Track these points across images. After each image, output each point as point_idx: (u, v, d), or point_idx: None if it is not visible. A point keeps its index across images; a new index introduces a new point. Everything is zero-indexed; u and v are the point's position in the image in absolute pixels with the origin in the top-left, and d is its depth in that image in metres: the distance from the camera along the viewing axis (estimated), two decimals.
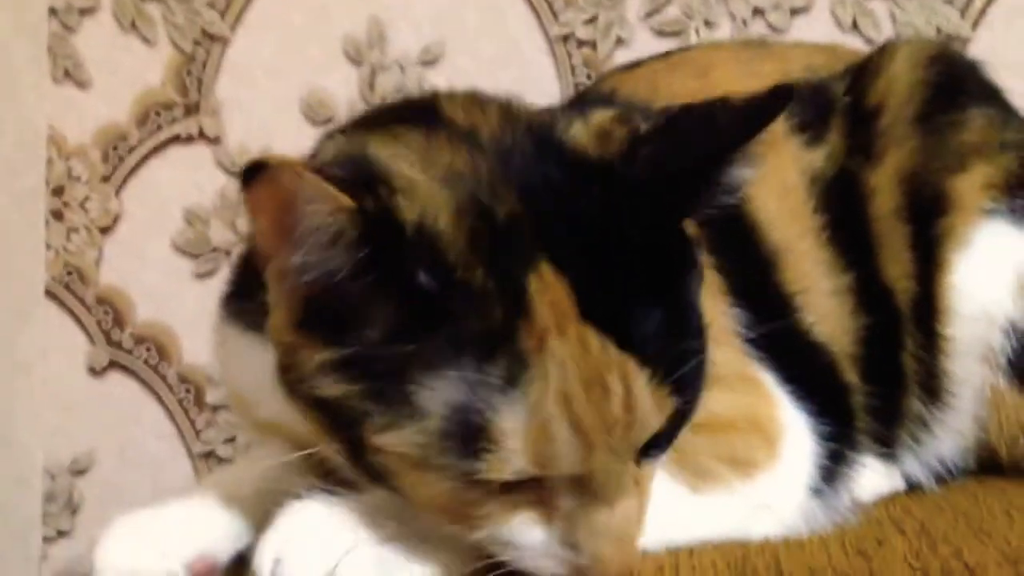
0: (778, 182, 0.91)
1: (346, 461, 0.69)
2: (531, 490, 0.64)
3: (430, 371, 0.61)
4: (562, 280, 0.62)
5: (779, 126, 0.91)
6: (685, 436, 0.74)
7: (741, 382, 0.80)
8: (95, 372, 1.62)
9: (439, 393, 0.61)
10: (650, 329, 0.63)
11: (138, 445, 1.62)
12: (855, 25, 1.41)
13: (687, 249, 0.69)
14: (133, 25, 1.58)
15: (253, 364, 0.79)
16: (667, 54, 1.06)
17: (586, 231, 0.64)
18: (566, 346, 0.61)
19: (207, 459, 1.59)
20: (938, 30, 1.39)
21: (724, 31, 1.43)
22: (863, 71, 0.93)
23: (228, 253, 1.56)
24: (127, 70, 1.58)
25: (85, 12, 1.59)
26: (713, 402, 0.76)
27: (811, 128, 0.93)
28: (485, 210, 0.63)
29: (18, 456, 1.59)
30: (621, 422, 0.62)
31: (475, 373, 0.60)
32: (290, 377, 0.67)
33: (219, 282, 1.58)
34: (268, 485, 0.79)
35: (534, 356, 0.61)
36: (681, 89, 0.93)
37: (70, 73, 1.59)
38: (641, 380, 0.62)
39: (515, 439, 0.60)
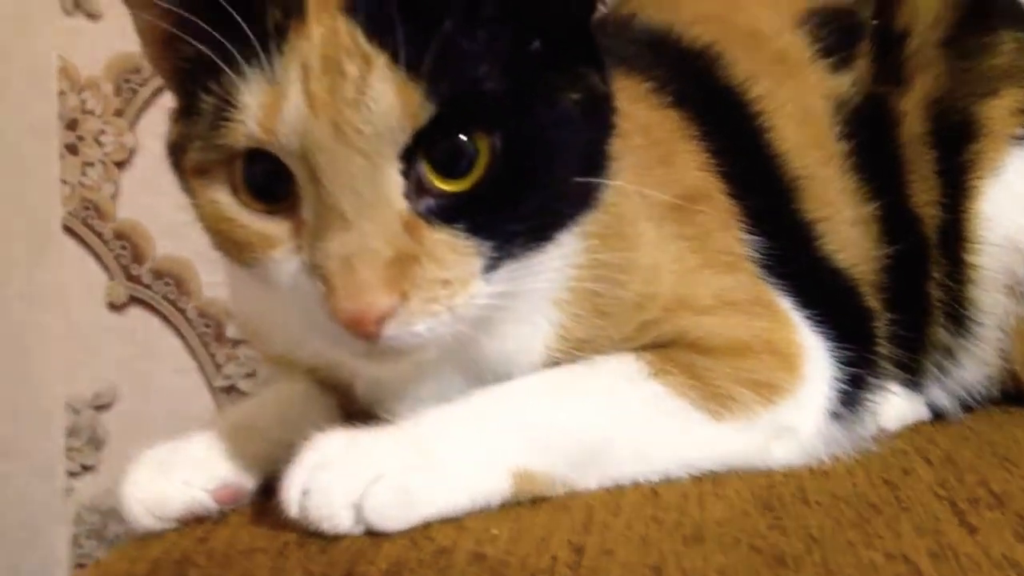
0: (800, 108, 0.89)
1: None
2: (288, 218, 0.65)
3: (211, 75, 0.64)
4: None
5: (803, 51, 0.90)
6: (702, 360, 0.76)
7: (758, 307, 0.80)
8: (114, 307, 1.62)
9: (214, 93, 0.64)
10: (420, 43, 0.62)
11: (159, 380, 1.62)
12: None
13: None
14: None
15: (260, 295, 0.79)
16: None
17: None
18: (317, 31, 0.63)
19: (228, 393, 1.60)
20: None
21: None
22: None
23: None
24: None
25: None
26: (729, 327, 0.78)
27: (837, 53, 0.91)
28: None
29: (39, 392, 1.60)
30: (351, 102, 0.61)
31: (240, 67, 0.63)
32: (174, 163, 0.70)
33: None
34: (289, 415, 0.79)
35: (290, 43, 0.63)
36: (703, 12, 0.91)
37: (80, 4, 1.57)
38: (380, 68, 0.62)
39: (252, 102, 0.62)
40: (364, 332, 0.63)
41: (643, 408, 0.75)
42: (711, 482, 0.75)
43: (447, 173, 0.64)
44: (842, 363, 0.80)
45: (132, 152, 1.58)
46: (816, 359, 0.80)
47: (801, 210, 0.87)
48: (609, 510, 0.70)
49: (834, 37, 0.91)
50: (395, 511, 0.67)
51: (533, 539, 0.66)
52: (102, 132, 1.58)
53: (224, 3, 0.62)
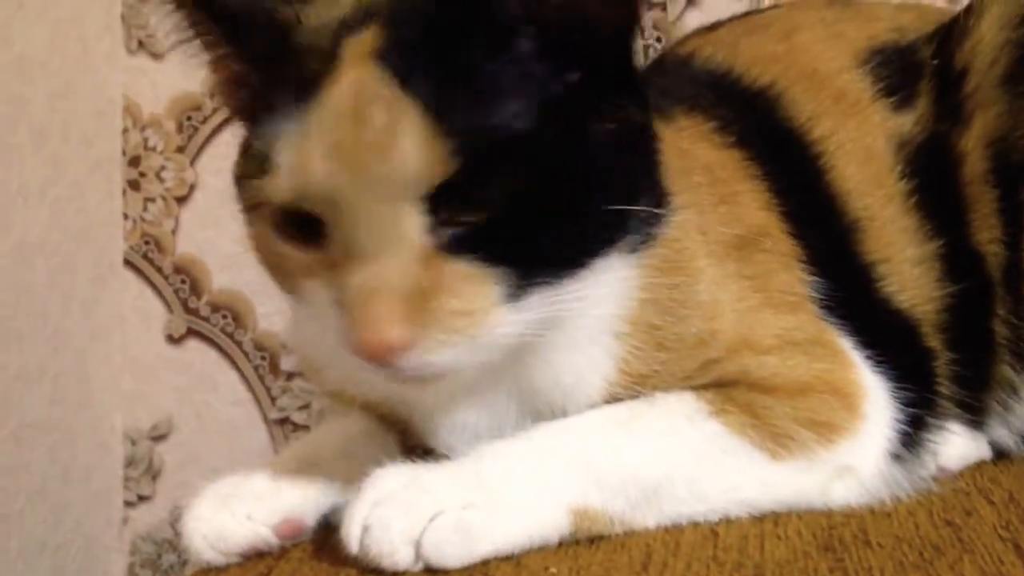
0: (862, 148, 0.89)
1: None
2: (321, 253, 0.66)
3: (257, 124, 0.66)
4: (379, 34, 0.65)
5: (865, 90, 0.89)
6: (762, 400, 0.76)
7: (818, 347, 0.79)
8: (173, 340, 1.64)
9: (263, 136, 0.66)
10: (451, 89, 0.63)
11: (215, 411, 1.64)
12: None
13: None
14: None
15: (316, 331, 0.80)
16: (747, 15, 1.04)
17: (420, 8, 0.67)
18: (348, 79, 0.64)
19: (282, 425, 1.61)
20: None
21: None
22: (951, 32, 0.90)
23: None
24: None
25: None
26: (790, 367, 0.77)
27: (899, 92, 0.90)
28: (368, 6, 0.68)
29: (99, 422, 1.62)
30: (375, 151, 0.62)
31: (284, 117, 0.64)
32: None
33: None
34: (349, 450, 0.80)
35: (323, 92, 0.64)
36: (763, 52, 0.91)
37: (143, 43, 1.60)
38: (408, 117, 0.62)
39: (285, 159, 0.64)
40: (380, 362, 0.64)
41: (703, 447, 0.74)
42: (771, 522, 0.74)
43: (466, 210, 0.64)
44: (902, 404, 0.80)
45: (192, 188, 1.61)
46: (876, 399, 0.79)
47: (862, 251, 0.86)
48: (668, 550, 0.70)
49: (895, 76, 0.91)
50: (455, 548, 0.67)
51: None
52: (163, 168, 1.61)
53: (267, 54, 0.66)
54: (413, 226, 0.64)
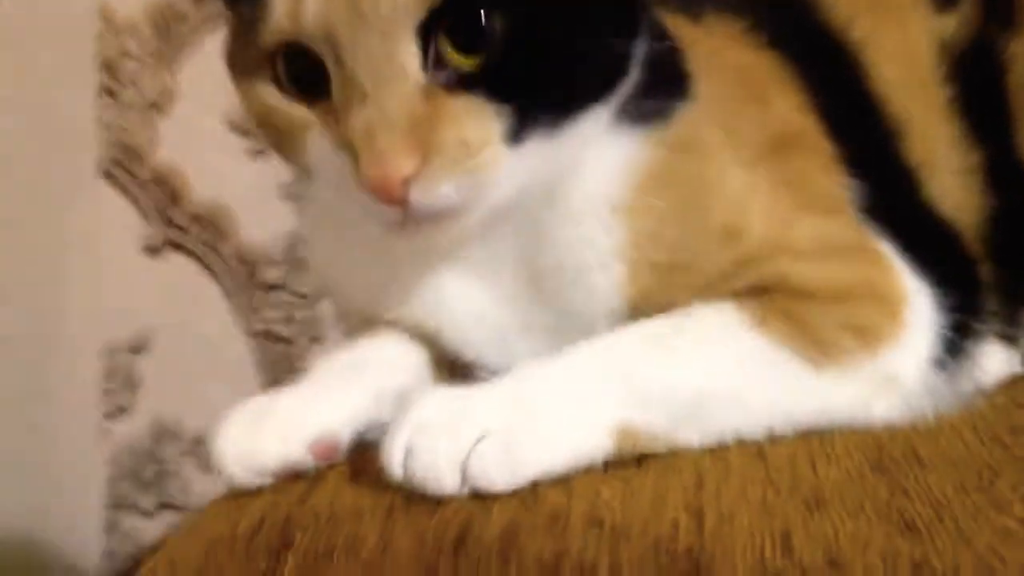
0: (903, 49, 0.86)
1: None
2: (322, 101, 0.67)
3: None
4: None
5: None
6: (803, 306, 0.74)
7: (858, 251, 0.78)
8: (151, 251, 1.61)
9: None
10: None
11: (195, 324, 1.62)
12: None
13: None
14: None
15: (341, 246, 0.80)
16: None
17: None
18: None
19: (264, 338, 1.59)
20: None
21: None
22: None
23: None
24: None
25: None
26: (830, 271, 0.76)
27: None
28: None
29: (76, 334, 1.59)
30: None
31: None
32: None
33: (276, 159, 1.58)
34: (381, 366, 0.78)
35: None
36: None
37: None
38: None
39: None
40: (390, 197, 0.65)
41: (745, 360, 0.73)
42: (817, 441, 0.73)
43: (466, 48, 0.65)
44: (946, 309, 0.79)
45: (171, 95, 1.55)
46: (919, 305, 0.78)
47: (904, 154, 0.84)
48: (718, 472, 0.69)
49: None
50: (501, 471, 0.66)
51: (646, 502, 0.65)
52: (140, 75, 1.55)
53: None
54: (411, 60, 0.65)
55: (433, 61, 0.65)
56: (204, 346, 1.62)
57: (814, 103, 0.81)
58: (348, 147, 0.65)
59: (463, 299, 0.77)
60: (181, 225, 1.59)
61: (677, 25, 0.77)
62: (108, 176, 1.58)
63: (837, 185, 0.79)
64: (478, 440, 0.66)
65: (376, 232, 0.70)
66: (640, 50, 0.71)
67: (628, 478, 0.68)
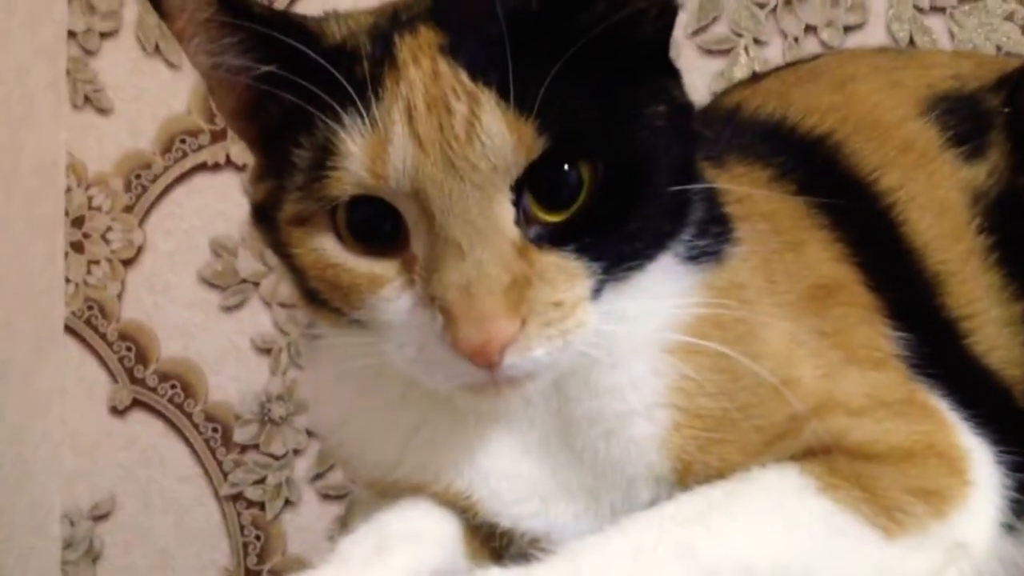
0: (934, 200, 0.84)
1: (302, 302, 0.71)
2: (395, 256, 0.65)
3: (303, 128, 0.65)
4: (436, 33, 0.66)
5: (932, 140, 0.85)
6: (867, 468, 0.71)
7: (912, 408, 0.74)
8: (117, 411, 1.56)
9: (307, 145, 0.65)
10: (524, 78, 0.63)
11: (162, 488, 1.55)
12: (912, 42, 1.36)
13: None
14: (157, 49, 1.53)
15: (355, 410, 0.76)
16: (794, 65, 1.00)
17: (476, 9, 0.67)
18: (418, 73, 0.64)
19: (235, 501, 1.52)
20: (998, 48, 1.35)
21: (775, 50, 1.39)
22: (1021, 81, 0.87)
23: (257, 284, 1.51)
24: (150, 95, 1.53)
25: (106, 35, 1.54)
26: (889, 430, 0.72)
27: (967, 142, 0.85)
28: (393, 13, 0.69)
29: (36, 501, 1.53)
30: (462, 139, 0.62)
31: (336, 117, 0.64)
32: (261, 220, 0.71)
33: (248, 314, 1.57)
34: (416, 537, 0.73)
35: (387, 89, 0.64)
36: (818, 101, 0.87)
37: (90, 99, 1.54)
38: (489, 105, 0.63)
39: (356, 149, 0.63)
40: (487, 360, 0.62)
41: (815, 528, 0.69)
42: None
43: (551, 204, 0.65)
44: (1008, 468, 0.74)
45: (139, 249, 1.53)
46: (982, 463, 0.74)
47: (945, 307, 0.81)
48: None
49: (963, 125, 0.86)
50: None
51: None
52: (109, 229, 1.53)
53: (317, 58, 0.64)
54: (507, 216, 0.63)
55: (524, 217, 0.64)
56: (171, 512, 1.55)
57: (849, 252, 0.78)
58: (438, 304, 0.62)
59: (496, 458, 0.72)
60: (149, 384, 1.54)
61: (703, 168, 0.75)
62: (73, 333, 1.54)
63: (882, 337, 0.76)
64: None
65: (415, 391, 0.68)
66: (697, 194, 0.71)
67: None
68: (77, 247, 1.53)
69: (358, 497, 0.81)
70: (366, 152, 0.63)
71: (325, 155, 0.64)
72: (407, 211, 0.64)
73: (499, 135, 0.62)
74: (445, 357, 0.63)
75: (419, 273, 0.64)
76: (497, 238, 0.63)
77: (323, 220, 0.66)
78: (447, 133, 0.62)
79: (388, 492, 0.76)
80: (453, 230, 0.62)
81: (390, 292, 0.65)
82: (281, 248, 0.69)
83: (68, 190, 1.53)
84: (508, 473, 0.72)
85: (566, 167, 0.64)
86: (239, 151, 1.48)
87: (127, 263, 1.53)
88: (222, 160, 1.51)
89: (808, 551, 0.68)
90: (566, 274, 0.64)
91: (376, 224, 0.65)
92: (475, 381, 0.64)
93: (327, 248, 0.66)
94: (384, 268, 0.65)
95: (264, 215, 0.70)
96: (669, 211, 0.69)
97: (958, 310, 0.81)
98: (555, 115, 0.63)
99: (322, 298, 0.68)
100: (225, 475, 1.53)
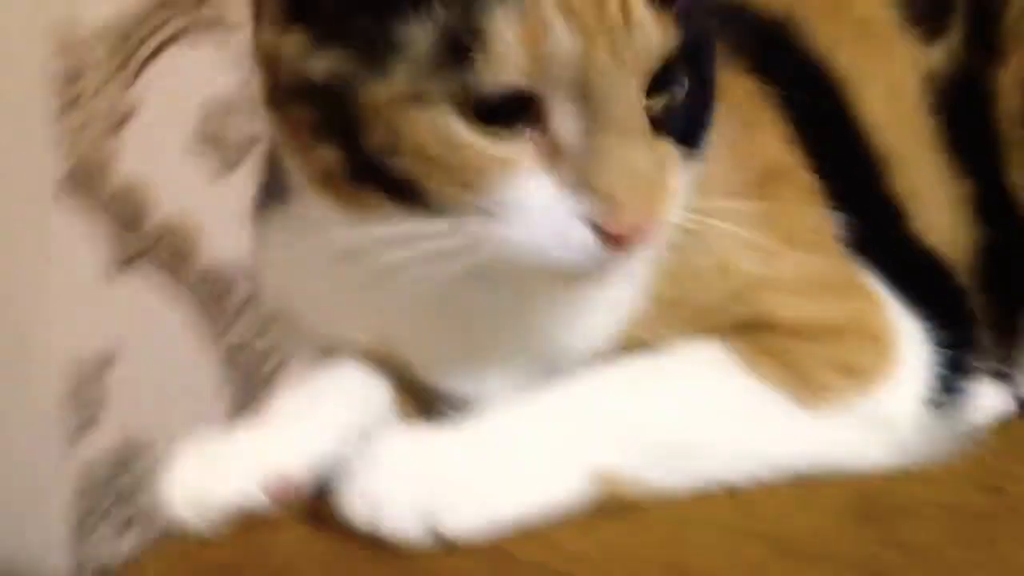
0: (888, 81, 0.84)
1: (345, 178, 0.65)
2: (531, 138, 0.62)
3: (413, 4, 0.60)
4: None
5: (890, 19, 0.85)
6: (792, 344, 0.72)
7: (846, 287, 0.76)
8: (113, 271, 1.57)
9: (426, 20, 0.60)
10: None
11: (158, 346, 1.57)
12: None
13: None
14: None
15: (310, 270, 0.75)
16: None
17: None
18: None
19: (238, 352, 1.54)
20: None
21: None
22: None
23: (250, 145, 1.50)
24: None
25: None
26: (819, 308, 0.74)
27: (927, 22, 0.86)
28: None
29: (40, 352, 1.57)
30: (619, 25, 0.61)
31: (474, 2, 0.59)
32: (277, 84, 0.65)
33: (241, 176, 1.55)
34: (342, 399, 0.74)
35: None
36: None
37: None
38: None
39: (508, 37, 0.59)
40: (641, 241, 0.62)
41: (736, 402, 0.70)
42: (806, 489, 0.69)
43: (654, 94, 0.64)
44: (939, 345, 0.76)
45: (132, 109, 1.52)
46: (912, 341, 0.75)
47: (890, 188, 0.82)
48: (700, 523, 0.65)
49: (924, 5, 0.86)
50: (469, 519, 0.63)
51: (625, 558, 0.62)
52: (101, 89, 1.52)
53: None
54: (642, 103, 0.63)
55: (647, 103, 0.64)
56: (169, 369, 1.57)
57: (798, 133, 0.79)
58: (602, 192, 0.61)
59: (435, 326, 0.73)
60: (143, 244, 1.55)
61: None
62: (67, 194, 1.54)
63: (822, 219, 0.77)
64: (445, 485, 0.63)
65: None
66: None
67: (601, 527, 0.64)
68: (70, 106, 1.53)
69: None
70: (522, 40, 0.59)
71: (460, 38, 0.59)
72: (554, 98, 0.61)
73: (650, 24, 0.61)
74: (581, 240, 0.61)
75: (565, 159, 0.61)
76: (645, 127, 0.63)
77: (445, 101, 0.61)
78: (606, 21, 0.60)
79: (334, 349, 0.77)
80: (618, 119, 0.61)
81: (524, 177, 0.62)
82: (338, 124, 0.63)
83: (60, 49, 1.52)
84: (447, 340, 0.73)
85: (676, 65, 0.64)
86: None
87: (118, 124, 1.53)
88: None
89: (724, 422, 0.70)
90: (674, 161, 0.65)
91: (507, 107, 0.61)
92: (600, 264, 0.62)
93: (450, 127, 0.61)
94: (516, 151, 0.62)
95: (312, 88, 0.63)
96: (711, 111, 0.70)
97: (904, 190, 0.82)
98: (677, 11, 0.63)
99: (413, 181, 0.63)
100: (224, 331, 1.55)
